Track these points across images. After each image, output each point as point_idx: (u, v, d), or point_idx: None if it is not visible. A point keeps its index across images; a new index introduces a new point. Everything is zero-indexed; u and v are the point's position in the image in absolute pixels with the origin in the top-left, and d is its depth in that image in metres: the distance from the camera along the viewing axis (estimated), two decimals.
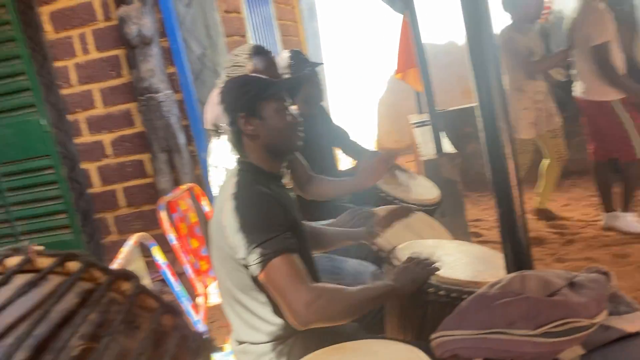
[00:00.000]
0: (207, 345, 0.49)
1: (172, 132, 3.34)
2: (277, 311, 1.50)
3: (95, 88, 3.50)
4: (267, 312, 1.52)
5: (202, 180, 3.48)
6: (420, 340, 1.51)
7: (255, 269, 1.41)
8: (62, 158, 3.61)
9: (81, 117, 3.56)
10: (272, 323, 1.52)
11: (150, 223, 3.64)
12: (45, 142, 3.61)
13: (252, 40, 4.26)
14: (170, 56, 3.31)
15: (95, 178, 3.66)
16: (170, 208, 2.52)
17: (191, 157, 3.48)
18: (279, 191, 1.57)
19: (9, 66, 3.52)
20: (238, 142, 1.60)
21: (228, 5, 3.81)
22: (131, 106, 3.48)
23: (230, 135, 1.61)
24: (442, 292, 1.48)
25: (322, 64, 3.03)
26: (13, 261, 0.48)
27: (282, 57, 2.83)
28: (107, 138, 3.58)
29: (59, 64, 3.50)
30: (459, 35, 7.09)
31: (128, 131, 3.54)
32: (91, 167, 3.64)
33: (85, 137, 3.59)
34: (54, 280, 0.47)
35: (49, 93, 3.51)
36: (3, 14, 3.46)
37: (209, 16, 3.30)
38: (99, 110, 3.54)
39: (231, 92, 1.60)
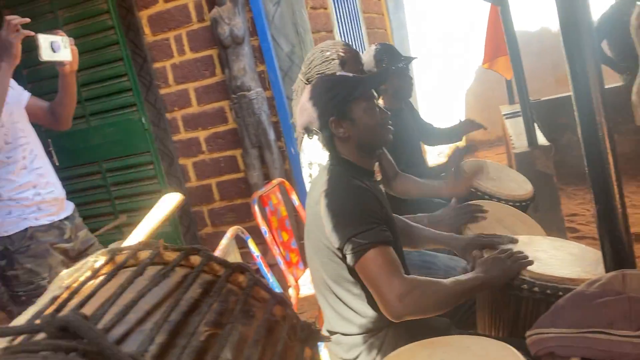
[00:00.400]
0: (314, 334, 0.52)
1: (262, 129, 3.45)
2: (370, 303, 1.53)
3: (190, 87, 3.68)
4: (359, 304, 1.55)
5: (290, 175, 3.58)
6: (513, 337, 1.49)
7: (350, 259, 1.45)
8: (161, 154, 3.83)
9: (178, 115, 3.75)
10: (364, 315, 1.55)
11: (242, 216, 3.79)
12: (145, 140, 3.84)
13: (338, 34, 4.29)
14: (260, 54, 3.41)
15: (191, 173, 3.84)
16: (262, 202, 2.61)
17: (280, 152, 3.58)
18: (372, 186, 1.60)
19: (112, 68, 3.77)
20: (330, 143, 1.64)
21: (315, 1, 3.86)
22: (224, 104, 3.63)
23: (322, 137, 1.64)
24: (536, 289, 1.45)
25: (415, 57, 3.00)
26: (144, 254, 0.54)
27: (371, 51, 2.85)
28: (201, 135, 3.75)
29: (157, 65, 3.70)
30: (552, 21, 6.79)
31: (221, 128, 3.69)
32: (187, 163, 3.83)
33: (182, 134, 3.78)
34: (179, 272, 0.53)
35: (148, 93, 3.73)
36: (107, 19, 3.71)
37: (297, 13, 3.37)
38: (194, 108, 3.71)
39: (320, 96, 1.63)
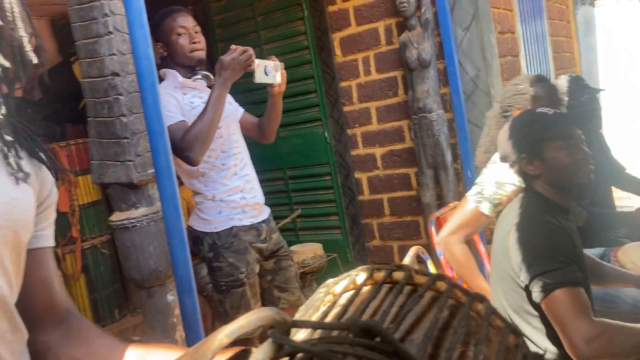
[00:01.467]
0: None
1: (440, 150, 3.51)
2: (550, 338, 1.53)
3: (372, 106, 3.86)
4: (540, 338, 1.55)
5: None
6: None
7: (537, 296, 1.46)
8: (339, 167, 4.06)
9: (358, 131, 3.96)
10: (545, 350, 1.55)
11: (409, 233, 3.88)
12: (326, 152, 4.09)
13: (524, 59, 4.21)
14: (444, 77, 3.47)
15: (365, 187, 4.02)
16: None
17: (456, 174, 3.60)
18: (565, 223, 1.59)
19: (303, 85, 4.07)
20: (524, 177, 1.67)
21: (503, 26, 3.83)
22: (403, 123, 3.75)
23: (516, 170, 1.68)
24: None
25: (604, 89, 2.87)
26: (398, 275, 0.65)
27: (561, 83, 2.78)
28: (378, 152, 3.91)
29: (343, 84, 3.93)
30: None
31: (398, 146, 3.82)
32: (362, 177, 4.01)
33: (360, 150, 3.98)
34: (428, 294, 0.63)
35: (333, 109, 3.98)
36: (303, 40, 4.03)
37: (486, 38, 3.38)
38: (374, 126, 3.88)
39: (516, 131, 1.67)
